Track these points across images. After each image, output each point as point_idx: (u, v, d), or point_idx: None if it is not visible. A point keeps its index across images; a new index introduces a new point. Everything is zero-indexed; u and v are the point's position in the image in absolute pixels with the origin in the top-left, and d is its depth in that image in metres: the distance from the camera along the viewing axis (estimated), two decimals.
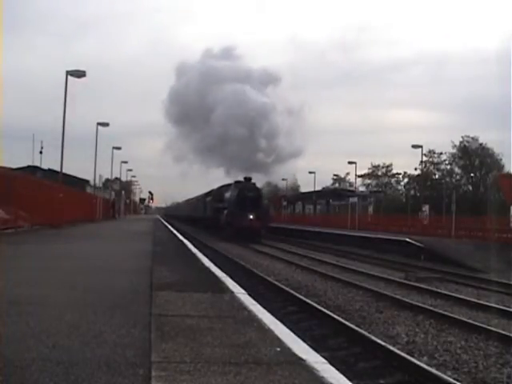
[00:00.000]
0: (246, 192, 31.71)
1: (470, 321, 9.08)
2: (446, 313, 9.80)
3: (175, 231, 28.33)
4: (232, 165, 37.62)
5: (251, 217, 30.58)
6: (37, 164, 50.10)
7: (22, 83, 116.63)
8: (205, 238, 31.11)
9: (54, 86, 62.71)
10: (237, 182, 33.84)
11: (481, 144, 61.94)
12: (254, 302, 5.82)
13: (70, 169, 41.58)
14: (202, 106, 37.45)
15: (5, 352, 3.47)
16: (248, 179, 33.08)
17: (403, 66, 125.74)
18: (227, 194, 34.28)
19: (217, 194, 37.30)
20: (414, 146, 40.91)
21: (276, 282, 13.15)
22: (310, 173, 58.41)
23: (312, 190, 58.30)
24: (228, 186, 35.75)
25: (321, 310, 9.52)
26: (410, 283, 14.22)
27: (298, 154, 39.17)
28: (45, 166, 47.47)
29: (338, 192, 56.47)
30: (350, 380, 3.42)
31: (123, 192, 69.16)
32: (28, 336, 3.91)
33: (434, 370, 6.17)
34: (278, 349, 3.83)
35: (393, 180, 76.20)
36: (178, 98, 40.86)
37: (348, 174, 77.15)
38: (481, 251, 20.38)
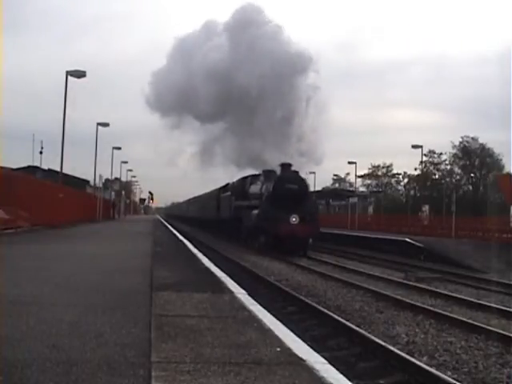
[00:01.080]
0: (286, 184, 22.57)
1: (469, 321, 9.07)
2: (445, 313, 9.80)
3: (177, 232, 28.31)
4: (242, 159, 28.58)
5: (294, 220, 21.79)
6: (37, 164, 50.09)
7: (21, 83, 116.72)
8: (211, 241, 28.41)
9: (54, 86, 62.79)
10: (267, 172, 24.94)
11: (481, 144, 61.95)
12: (254, 302, 5.83)
13: (70, 169, 41.65)
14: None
15: (5, 352, 3.47)
16: (287, 166, 23.43)
17: (403, 66, 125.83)
18: (255, 188, 25.87)
19: (238, 187, 28.48)
20: (414, 146, 40.95)
21: (276, 283, 13.16)
22: (310, 173, 58.31)
23: (312, 190, 58.19)
24: (255, 176, 26.89)
25: (321, 311, 9.53)
26: (410, 283, 14.22)
27: (319, 162, 30.06)
28: (45, 166, 47.50)
29: (337, 192, 56.41)
30: (349, 380, 3.42)
31: (123, 192, 69.17)
32: (28, 336, 3.91)
33: (434, 370, 6.17)
34: (278, 349, 3.83)
35: (393, 180, 76.19)
36: (172, 82, 32.29)
37: (348, 174, 77.10)
38: (481, 251, 20.38)
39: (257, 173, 27.37)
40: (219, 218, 32.90)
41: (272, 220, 21.56)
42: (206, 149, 32.58)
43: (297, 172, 23.82)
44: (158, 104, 33.76)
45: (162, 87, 33.24)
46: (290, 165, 23.55)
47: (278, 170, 23.67)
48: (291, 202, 21.86)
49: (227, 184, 32.33)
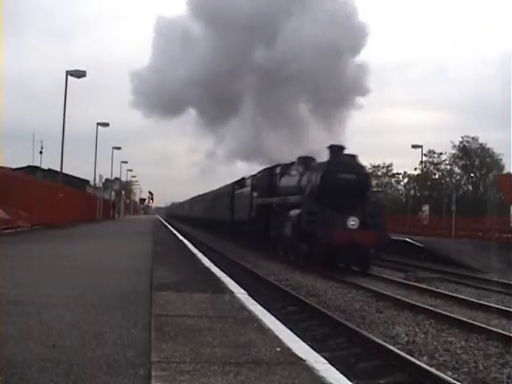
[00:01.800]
0: (339, 173, 16.80)
1: (470, 321, 9.08)
2: (445, 313, 9.80)
3: (177, 233, 28.27)
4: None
5: (353, 223, 16.21)
6: (37, 164, 50.19)
7: (21, 83, 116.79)
8: (212, 241, 26.90)
9: (54, 86, 62.87)
10: (304, 159, 19.50)
11: (481, 144, 62.01)
12: (254, 302, 5.83)
13: (70, 169, 41.74)
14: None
15: (5, 352, 3.47)
16: (339, 148, 17.40)
17: (403, 66, 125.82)
18: (289, 180, 19.94)
19: (263, 181, 22.69)
20: (414, 146, 40.94)
21: (276, 283, 13.16)
22: None
23: None
24: (287, 165, 20.76)
25: (321, 311, 9.53)
26: (410, 283, 14.22)
27: None
28: (45, 166, 47.60)
29: None
30: (349, 380, 3.42)
31: (123, 192, 69.19)
32: (28, 336, 3.91)
33: (434, 370, 6.17)
34: (278, 349, 3.83)
35: (393, 180, 76.20)
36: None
37: None
38: (481, 251, 20.40)
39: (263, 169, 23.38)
40: (233, 220, 27.65)
41: (322, 223, 15.93)
42: (211, 148, 30.53)
43: (354, 156, 17.39)
44: (150, 107, 31.48)
45: (149, 88, 30.61)
46: (342, 147, 17.41)
47: (322, 156, 18.35)
48: (347, 199, 16.33)
49: (242, 178, 27.39)
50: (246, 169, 27.89)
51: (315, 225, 16.05)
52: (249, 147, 25.94)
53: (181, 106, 30.79)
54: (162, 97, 29.98)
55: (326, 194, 16.50)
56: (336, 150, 17.30)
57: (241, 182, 27.67)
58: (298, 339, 4.28)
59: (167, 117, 32.18)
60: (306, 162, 19.23)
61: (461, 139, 62.57)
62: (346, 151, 17.58)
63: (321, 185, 16.85)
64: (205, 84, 26.32)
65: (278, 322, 4.85)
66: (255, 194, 23.41)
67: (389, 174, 75.55)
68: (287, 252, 18.81)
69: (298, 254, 17.53)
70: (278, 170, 21.64)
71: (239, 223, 26.14)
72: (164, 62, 30.32)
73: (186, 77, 27.01)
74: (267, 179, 22.31)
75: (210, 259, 11.23)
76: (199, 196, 50.10)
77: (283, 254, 19.29)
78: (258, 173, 24.30)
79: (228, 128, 28.91)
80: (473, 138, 62.22)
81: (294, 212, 17.29)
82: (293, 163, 20.38)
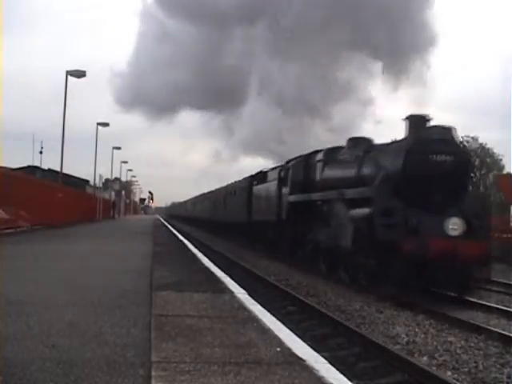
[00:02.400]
0: (431, 155, 11.48)
1: (470, 321, 9.07)
2: (445, 313, 9.79)
3: (177, 233, 28.28)
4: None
5: (455, 228, 11.10)
6: (37, 164, 50.36)
7: (22, 83, 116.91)
8: (212, 241, 28.78)
9: (54, 86, 62.95)
10: (358, 140, 14.86)
11: (481, 144, 62.01)
12: (253, 302, 5.83)
13: (70, 169, 41.76)
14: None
15: (5, 352, 3.47)
16: (422, 119, 12.10)
17: None
18: (343, 169, 14.50)
19: (296, 172, 17.50)
20: None
21: (276, 283, 13.15)
22: None
23: None
24: (333, 150, 15.87)
25: (321, 311, 9.53)
26: None
27: None
28: (45, 166, 47.70)
29: None
30: (349, 380, 3.42)
31: (123, 192, 69.22)
32: (28, 336, 3.91)
33: (434, 370, 6.17)
34: (278, 349, 3.83)
35: None
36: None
37: None
38: None
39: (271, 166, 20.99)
40: (251, 221, 23.10)
41: (408, 228, 10.97)
42: (216, 146, 29.91)
43: (449, 129, 12.03)
44: (147, 111, 31.69)
45: (136, 93, 30.81)
46: (426, 118, 12.12)
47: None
48: (442, 192, 11.42)
49: (261, 172, 23.45)
50: (250, 166, 27.49)
51: (396, 230, 10.96)
52: (261, 136, 23.63)
53: (180, 105, 30.58)
54: (157, 99, 29.71)
55: (409, 184, 11.43)
56: (419, 121, 12.09)
57: (260, 176, 23.01)
58: (297, 339, 4.28)
59: (166, 117, 32.02)
60: (363, 144, 14.31)
61: (461, 139, 62.56)
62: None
63: (403, 171, 11.61)
64: (206, 81, 25.91)
65: (277, 322, 4.85)
66: (285, 190, 18.26)
67: None
68: (336, 267, 13.77)
69: (359, 272, 12.33)
70: (319, 157, 16.33)
71: (260, 225, 21.45)
72: (150, 62, 30.14)
73: (184, 76, 26.81)
74: (303, 169, 17.18)
75: (209, 259, 11.24)
76: (204, 194, 44.52)
77: (327, 269, 14.61)
78: (288, 162, 19.11)
79: (237, 118, 27.69)
80: (473, 138, 62.19)
81: (359, 212, 11.96)
82: (339, 147, 15.75)
